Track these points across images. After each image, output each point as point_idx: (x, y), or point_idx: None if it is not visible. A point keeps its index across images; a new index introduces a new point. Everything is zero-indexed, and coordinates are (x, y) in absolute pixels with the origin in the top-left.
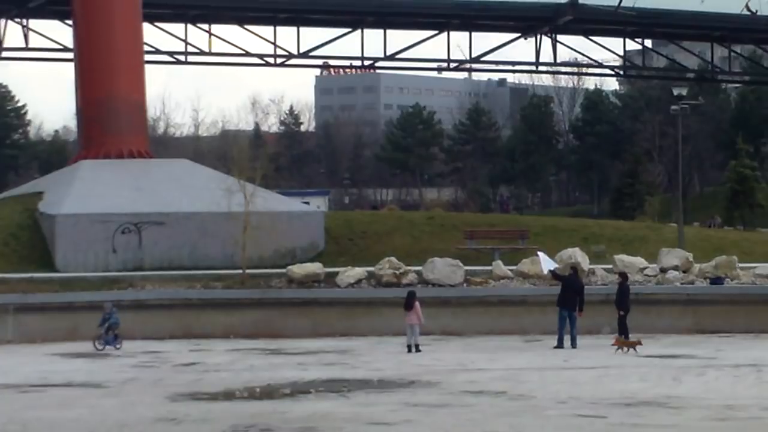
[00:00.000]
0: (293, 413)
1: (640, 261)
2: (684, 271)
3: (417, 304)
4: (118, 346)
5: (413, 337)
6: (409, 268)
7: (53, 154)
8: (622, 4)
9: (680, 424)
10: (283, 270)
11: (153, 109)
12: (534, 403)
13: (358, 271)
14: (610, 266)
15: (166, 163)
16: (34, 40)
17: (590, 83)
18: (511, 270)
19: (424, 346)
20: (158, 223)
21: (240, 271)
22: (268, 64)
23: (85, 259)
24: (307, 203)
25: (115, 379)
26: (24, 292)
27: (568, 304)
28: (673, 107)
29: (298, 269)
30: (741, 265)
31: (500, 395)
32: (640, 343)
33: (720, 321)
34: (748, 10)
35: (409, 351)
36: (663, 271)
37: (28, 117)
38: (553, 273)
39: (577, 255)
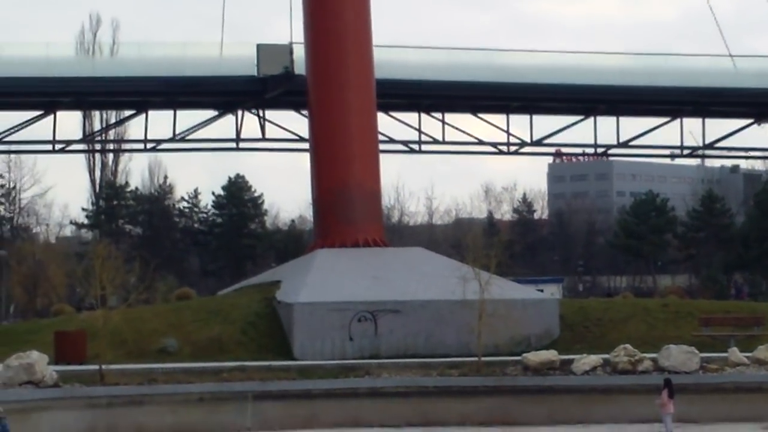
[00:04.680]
0: None
1: None
2: None
3: None
4: None
5: (671, 424)
6: (644, 355)
7: (290, 243)
8: None
9: None
10: (519, 357)
11: (387, 197)
12: None
13: (593, 359)
14: None
15: (401, 251)
16: (270, 131)
17: None
18: (747, 357)
19: None
20: (394, 311)
21: (475, 358)
22: (501, 153)
23: (322, 347)
24: (542, 290)
25: None
26: (263, 380)
27: None
28: None
29: (534, 356)
30: None
31: None
32: None
33: None
34: None
35: None
36: None
37: (265, 207)
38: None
39: None
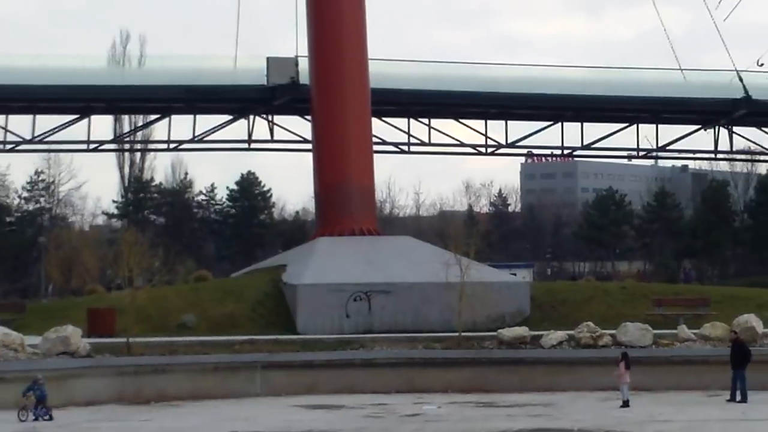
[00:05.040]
0: None
1: None
2: None
3: None
4: (46, 417)
5: (627, 392)
6: (604, 331)
7: (294, 232)
8: None
9: None
10: (494, 333)
11: (380, 192)
12: None
13: (559, 334)
14: None
15: (392, 239)
16: (278, 133)
17: (762, 168)
18: (694, 333)
19: (616, 401)
20: (385, 292)
21: (456, 334)
22: (480, 153)
23: (322, 323)
24: (515, 274)
25: (349, 427)
26: (270, 352)
27: (735, 363)
28: None
29: (507, 332)
30: None
31: None
32: None
33: None
34: None
35: (626, 406)
36: None
37: (273, 200)
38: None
39: (752, 320)
